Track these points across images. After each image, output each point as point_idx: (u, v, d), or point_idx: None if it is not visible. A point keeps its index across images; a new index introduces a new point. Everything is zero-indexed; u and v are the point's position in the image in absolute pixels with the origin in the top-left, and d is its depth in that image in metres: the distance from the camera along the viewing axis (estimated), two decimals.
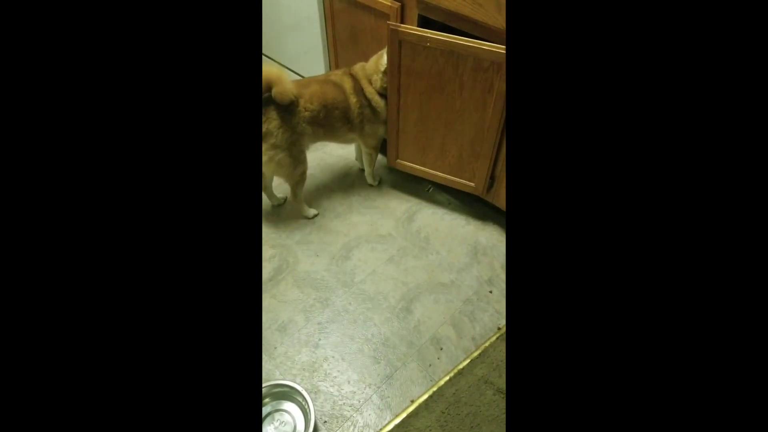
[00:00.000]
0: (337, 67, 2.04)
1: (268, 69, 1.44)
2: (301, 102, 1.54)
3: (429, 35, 1.30)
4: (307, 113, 1.56)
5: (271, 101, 1.50)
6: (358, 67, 1.62)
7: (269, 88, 1.46)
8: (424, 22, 1.48)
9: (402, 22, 1.53)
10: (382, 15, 1.60)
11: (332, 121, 1.62)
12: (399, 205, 1.85)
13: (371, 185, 1.93)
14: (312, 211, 1.80)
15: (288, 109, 1.51)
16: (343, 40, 1.92)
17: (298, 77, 2.20)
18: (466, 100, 1.40)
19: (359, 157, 1.97)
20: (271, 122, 1.50)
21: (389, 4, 1.53)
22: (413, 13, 1.47)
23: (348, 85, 1.60)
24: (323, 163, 2.04)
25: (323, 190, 1.91)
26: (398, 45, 1.35)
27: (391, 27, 1.32)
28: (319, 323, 1.46)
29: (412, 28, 1.32)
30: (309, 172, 1.96)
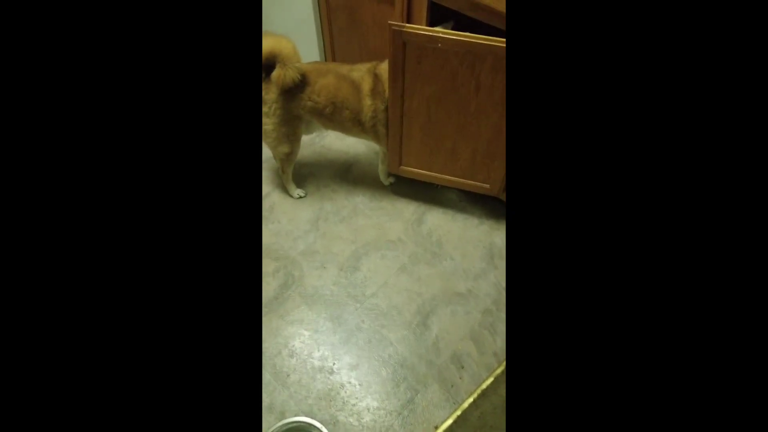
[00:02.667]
0: (332, 51, 1.85)
1: (276, 41, 1.34)
2: (308, 90, 1.43)
3: (441, 35, 1.13)
4: (310, 103, 1.44)
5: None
6: (383, 67, 1.39)
7: (275, 62, 1.36)
8: (434, 9, 1.31)
9: (410, 9, 1.35)
10: (386, 0, 1.41)
11: (341, 119, 1.48)
12: (407, 205, 1.73)
13: (384, 184, 1.80)
14: (298, 192, 1.74)
15: (291, 90, 1.42)
16: (340, 25, 1.72)
17: None
18: (483, 101, 1.25)
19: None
20: (269, 93, 1.43)
21: None
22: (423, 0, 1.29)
23: (367, 85, 1.41)
24: (322, 159, 1.89)
25: (324, 190, 1.78)
26: (402, 47, 1.18)
27: (394, 27, 1.15)
28: (332, 345, 1.39)
29: (419, 28, 1.15)
30: (307, 169, 1.84)
